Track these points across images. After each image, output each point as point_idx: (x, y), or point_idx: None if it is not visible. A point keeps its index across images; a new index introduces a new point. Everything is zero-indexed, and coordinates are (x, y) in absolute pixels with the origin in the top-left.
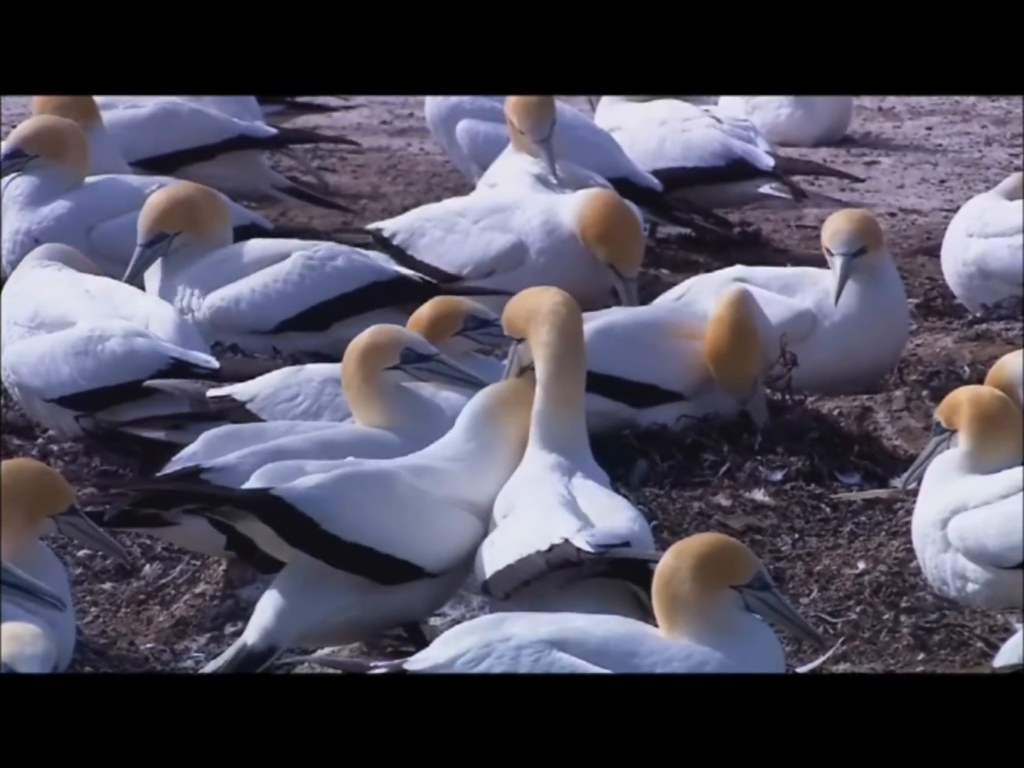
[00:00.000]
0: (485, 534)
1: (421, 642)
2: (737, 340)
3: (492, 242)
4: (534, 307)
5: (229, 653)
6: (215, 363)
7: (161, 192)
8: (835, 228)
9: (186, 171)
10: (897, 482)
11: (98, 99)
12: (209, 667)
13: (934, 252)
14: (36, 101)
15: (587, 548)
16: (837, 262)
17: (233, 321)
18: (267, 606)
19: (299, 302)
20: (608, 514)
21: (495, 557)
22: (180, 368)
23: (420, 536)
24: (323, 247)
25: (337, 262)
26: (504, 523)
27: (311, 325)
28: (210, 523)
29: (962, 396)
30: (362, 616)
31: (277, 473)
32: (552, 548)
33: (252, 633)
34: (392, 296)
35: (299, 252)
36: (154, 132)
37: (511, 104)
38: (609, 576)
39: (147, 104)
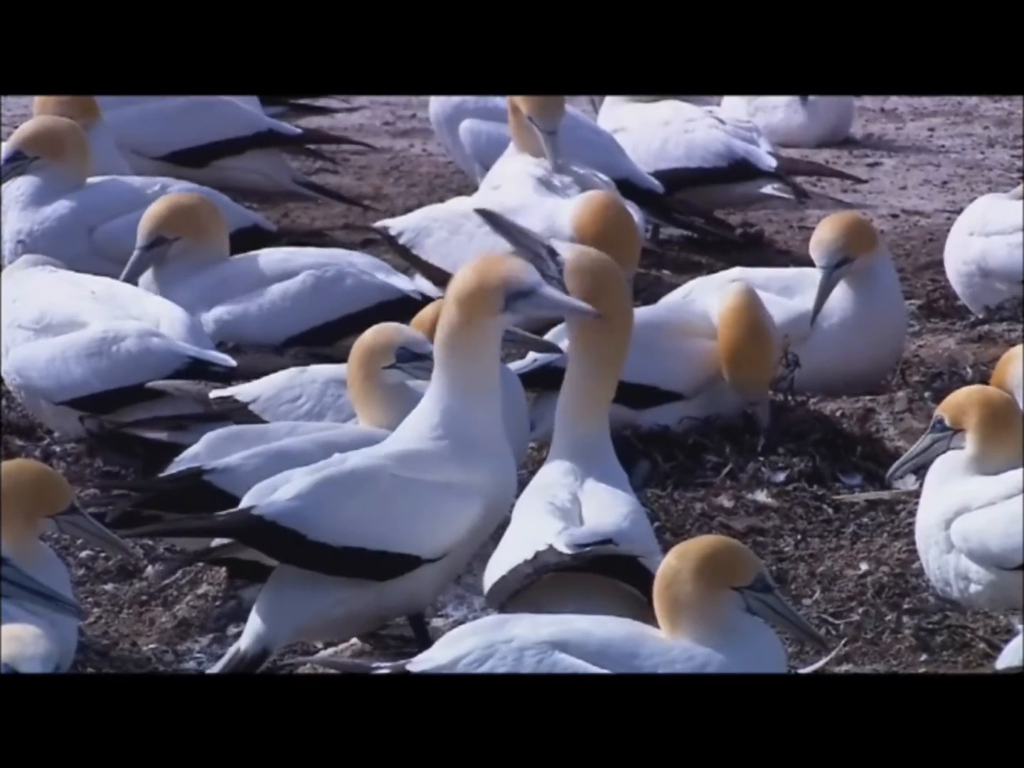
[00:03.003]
0: (491, 505)
1: (425, 637)
2: (753, 341)
3: (495, 245)
4: (601, 280)
5: (224, 659)
6: (232, 362)
7: (164, 198)
8: (817, 239)
9: (216, 165)
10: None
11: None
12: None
13: (938, 266)
14: (37, 100)
15: (565, 550)
16: (818, 275)
17: (239, 335)
18: (261, 608)
19: (306, 321)
20: (601, 514)
21: (492, 571)
22: (197, 367)
23: (412, 526)
24: (333, 268)
25: (346, 283)
26: (505, 535)
27: (317, 341)
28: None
29: (971, 397)
30: (361, 609)
31: (262, 493)
32: (536, 555)
33: (247, 638)
34: (397, 315)
35: (308, 272)
36: (187, 125)
37: (522, 97)
38: (593, 572)
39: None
